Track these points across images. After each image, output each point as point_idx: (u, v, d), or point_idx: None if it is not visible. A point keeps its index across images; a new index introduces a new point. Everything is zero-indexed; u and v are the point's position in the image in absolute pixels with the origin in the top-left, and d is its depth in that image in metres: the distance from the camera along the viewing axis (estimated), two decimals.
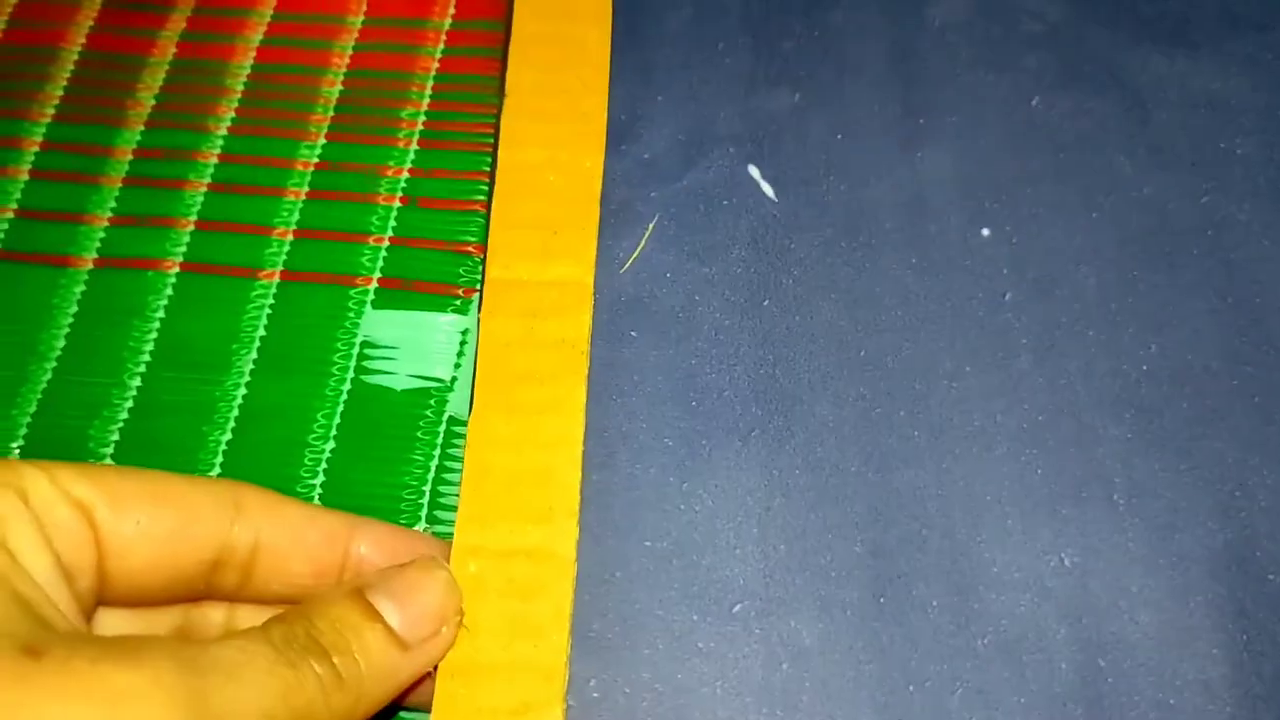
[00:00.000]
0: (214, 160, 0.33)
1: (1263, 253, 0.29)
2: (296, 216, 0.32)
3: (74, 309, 0.31)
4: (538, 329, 0.29)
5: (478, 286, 0.31)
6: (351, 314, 0.31)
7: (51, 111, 0.34)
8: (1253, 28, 0.33)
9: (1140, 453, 0.27)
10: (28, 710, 0.19)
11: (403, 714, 0.26)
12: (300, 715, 0.22)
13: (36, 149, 0.34)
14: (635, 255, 0.30)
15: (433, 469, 0.28)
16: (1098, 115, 0.31)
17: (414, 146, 0.33)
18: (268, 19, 0.36)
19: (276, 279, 0.31)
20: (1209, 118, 0.31)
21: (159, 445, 0.29)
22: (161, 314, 0.31)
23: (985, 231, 0.30)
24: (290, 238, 0.32)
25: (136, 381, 0.30)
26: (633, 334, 0.29)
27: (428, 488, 0.28)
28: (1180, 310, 0.29)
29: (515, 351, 0.28)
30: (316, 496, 0.28)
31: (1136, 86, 0.32)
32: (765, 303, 0.29)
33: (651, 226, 0.30)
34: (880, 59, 0.32)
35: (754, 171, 0.31)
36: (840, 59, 0.32)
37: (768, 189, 0.31)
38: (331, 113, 0.34)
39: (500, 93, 0.32)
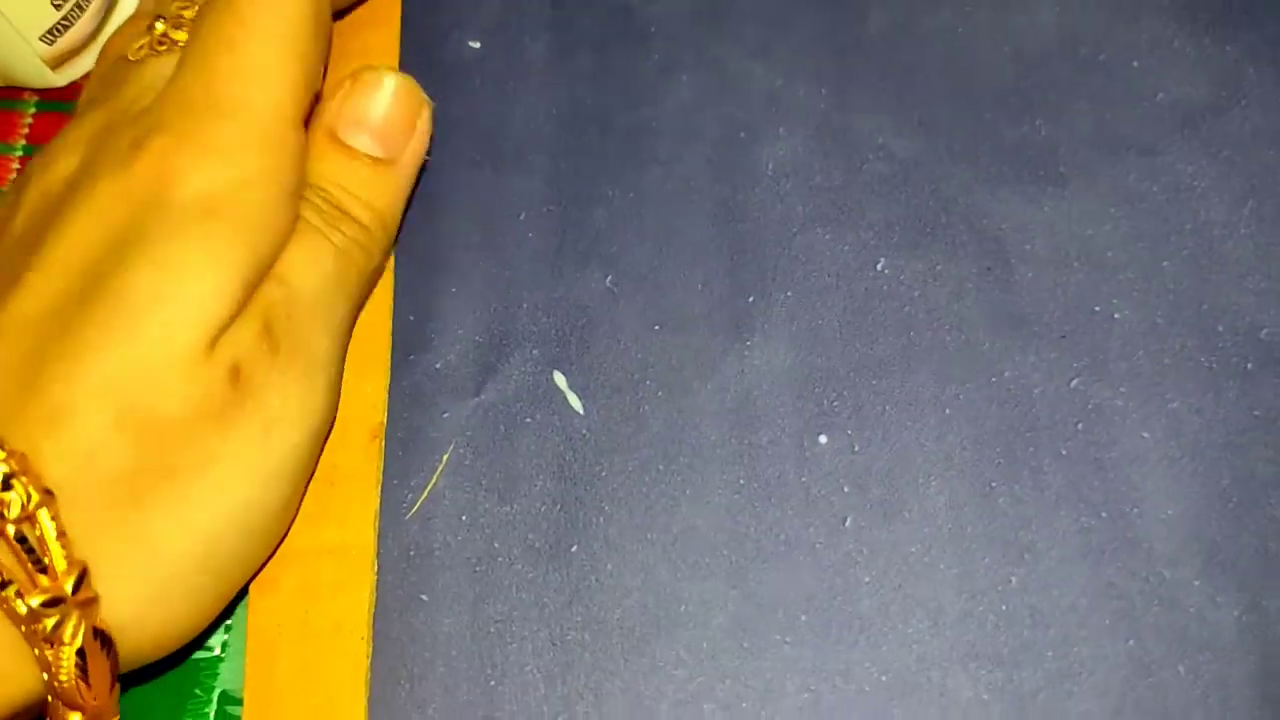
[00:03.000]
0: None
1: (1140, 449, 0.25)
2: None
3: None
4: (313, 613, 0.25)
5: None
6: None
7: None
8: (1135, 151, 0.28)
9: None
10: None
11: None
12: (360, 270, 0.25)
13: None
14: (425, 495, 0.26)
15: None
16: (953, 279, 0.27)
17: None
18: None
19: None
20: (1082, 274, 0.27)
21: None
22: None
23: (823, 439, 0.26)
24: None
25: None
26: (423, 597, 0.26)
27: None
28: (1043, 531, 0.25)
29: (288, 640, 0.25)
30: None
31: (998, 237, 0.27)
32: (573, 548, 0.26)
33: (445, 458, 0.27)
34: (705, 221, 0.28)
35: (560, 380, 0.27)
36: (660, 226, 0.28)
37: (575, 401, 0.27)
38: None
39: None
